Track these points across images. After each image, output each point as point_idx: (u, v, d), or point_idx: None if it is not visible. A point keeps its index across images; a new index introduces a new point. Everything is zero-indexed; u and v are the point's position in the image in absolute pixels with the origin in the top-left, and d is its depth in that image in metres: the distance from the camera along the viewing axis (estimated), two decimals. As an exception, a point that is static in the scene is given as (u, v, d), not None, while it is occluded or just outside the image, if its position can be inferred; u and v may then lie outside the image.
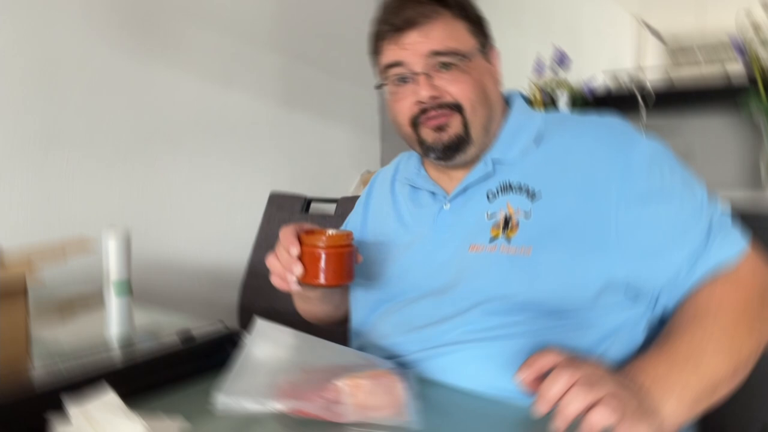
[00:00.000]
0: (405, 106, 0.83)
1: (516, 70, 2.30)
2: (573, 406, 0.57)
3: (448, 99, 0.81)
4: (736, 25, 1.74)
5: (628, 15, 2.69)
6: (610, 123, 0.83)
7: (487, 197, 0.82)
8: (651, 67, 2.45)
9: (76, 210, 1.59)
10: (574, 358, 0.63)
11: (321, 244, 0.76)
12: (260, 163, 2.07)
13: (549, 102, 2.13)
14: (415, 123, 0.84)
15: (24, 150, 1.50)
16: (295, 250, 0.76)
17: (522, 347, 0.73)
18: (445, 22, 0.81)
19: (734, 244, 0.76)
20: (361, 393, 0.62)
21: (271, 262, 0.80)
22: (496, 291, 0.76)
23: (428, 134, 0.83)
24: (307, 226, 0.81)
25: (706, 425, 0.80)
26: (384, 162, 2.51)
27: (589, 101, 2.08)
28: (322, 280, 0.76)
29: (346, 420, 0.60)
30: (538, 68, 2.18)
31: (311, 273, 0.76)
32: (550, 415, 0.58)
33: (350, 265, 0.78)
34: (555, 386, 0.59)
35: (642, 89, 1.95)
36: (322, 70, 2.23)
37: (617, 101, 2.04)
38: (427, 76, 0.81)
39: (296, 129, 2.18)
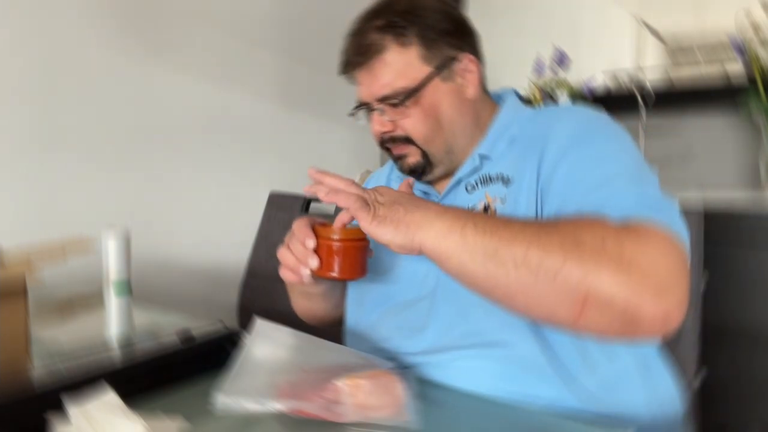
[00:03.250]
0: (373, 133, 0.88)
1: (516, 70, 2.29)
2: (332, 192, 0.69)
3: (399, 133, 0.84)
4: (736, 25, 1.74)
5: (628, 15, 2.68)
6: (580, 108, 0.85)
7: (466, 189, 0.84)
8: (651, 67, 2.45)
9: (76, 210, 1.59)
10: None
11: (337, 237, 0.75)
12: (260, 163, 2.07)
13: (549, 102, 2.13)
14: (383, 146, 0.88)
15: (24, 150, 1.50)
16: (312, 242, 0.76)
17: (523, 352, 0.73)
18: (389, 58, 0.81)
19: (664, 216, 0.65)
20: (361, 393, 0.62)
21: (284, 254, 0.79)
22: None
23: (394, 159, 0.88)
24: (320, 219, 0.81)
25: (705, 426, 0.80)
26: (384, 162, 2.50)
27: (589, 101, 2.08)
28: (336, 273, 0.76)
29: (345, 420, 0.60)
30: (538, 68, 2.18)
31: (326, 266, 0.76)
32: (550, 416, 0.58)
33: (364, 259, 0.78)
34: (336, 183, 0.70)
35: (642, 89, 1.95)
36: (322, 70, 2.23)
37: (617, 101, 2.04)
38: (381, 111, 0.84)
39: (296, 129, 2.18)
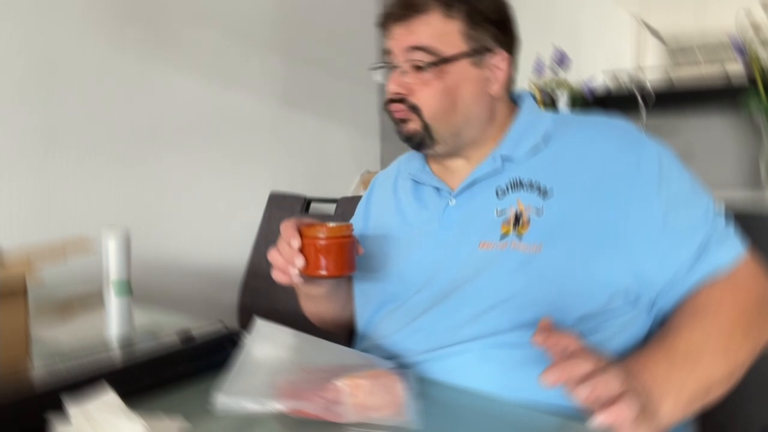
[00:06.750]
0: (387, 91, 0.86)
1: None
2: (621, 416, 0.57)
3: (410, 99, 0.83)
4: (736, 25, 1.74)
5: (628, 15, 2.68)
6: (619, 125, 0.83)
7: (496, 193, 0.82)
8: (651, 67, 2.45)
9: (76, 210, 1.59)
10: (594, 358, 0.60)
11: (321, 235, 0.77)
12: (260, 163, 2.07)
13: (549, 102, 2.13)
14: (388, 108, 0.87)
15: (24, 150, 1.50)
16: (296, 242, 0.77)
17: (530, 352, 0.73)
18: (431, 20, 0.81)
19: (732, 249, 0.76)
20: (361, 393, 0.62)
21: (273, 256, 0.81)
22: (508, 290, 0.75)
23: (395, 121, 0.87)
24: (308, 219, 0.82)
25: (705, 426, 0.80)
26: (384, 162, 2.50)
27: (589, 101, 2.08)
28: (323, 270, 0.77)
29: (345, 420, 0.60)
30: (538, 68, 2.18)
31: (313, 264, 0.77)
32: (551, 416, 0.58)
33: (351, 255, 0.79)
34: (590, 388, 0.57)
35: (642, 89, 1.95)
36: (322, 70, 2.23)
37: (617, 101, 2.03)
38: (402, 71, 0.83)
39: (296, 129, 2.18)
